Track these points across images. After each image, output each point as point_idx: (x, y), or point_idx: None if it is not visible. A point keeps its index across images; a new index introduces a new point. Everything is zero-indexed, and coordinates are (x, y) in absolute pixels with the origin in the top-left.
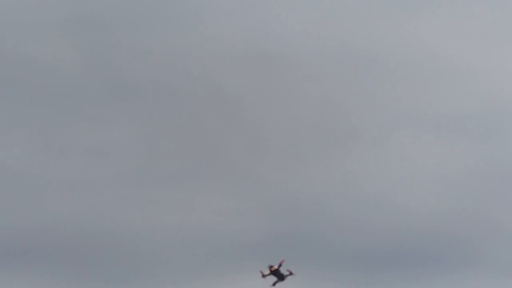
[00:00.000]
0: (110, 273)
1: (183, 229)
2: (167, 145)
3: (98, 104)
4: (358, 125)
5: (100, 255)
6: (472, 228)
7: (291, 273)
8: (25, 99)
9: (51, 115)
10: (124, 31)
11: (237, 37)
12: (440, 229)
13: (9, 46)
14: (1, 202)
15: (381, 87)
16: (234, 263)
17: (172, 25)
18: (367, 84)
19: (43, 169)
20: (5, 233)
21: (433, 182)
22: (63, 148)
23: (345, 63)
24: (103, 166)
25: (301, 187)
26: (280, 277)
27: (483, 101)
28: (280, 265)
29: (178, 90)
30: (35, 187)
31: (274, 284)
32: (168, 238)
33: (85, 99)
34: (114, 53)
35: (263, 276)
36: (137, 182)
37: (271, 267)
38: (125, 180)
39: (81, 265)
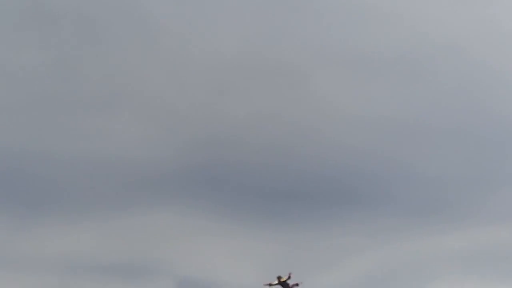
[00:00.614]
0: (18, 197)
1: (97, 156)
2: (83, 71)
3: (13, 28)
4: (282, 61)
5: (7, 180)
6: (387, 169)
7: (297, 285)
8: None
9: None
10: None
11: None
12: (355, 168)
13: None
14: None
15: (307, 24)
16: (149, 192)
17: None
18: (292, 20)
19: None
20: None
21: (353, 122)
22: None
23: None
24: (17, 89)
25: (221, 120)
26: (286, 287)
27: (408, 44)
28: (289, 277)
29: (97, 17)
30: None
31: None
32: (81, 165)
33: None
34: None
35: (270, 285)
36: (51, 107)
37: (279, 278)
38: (39, 104)
39: None
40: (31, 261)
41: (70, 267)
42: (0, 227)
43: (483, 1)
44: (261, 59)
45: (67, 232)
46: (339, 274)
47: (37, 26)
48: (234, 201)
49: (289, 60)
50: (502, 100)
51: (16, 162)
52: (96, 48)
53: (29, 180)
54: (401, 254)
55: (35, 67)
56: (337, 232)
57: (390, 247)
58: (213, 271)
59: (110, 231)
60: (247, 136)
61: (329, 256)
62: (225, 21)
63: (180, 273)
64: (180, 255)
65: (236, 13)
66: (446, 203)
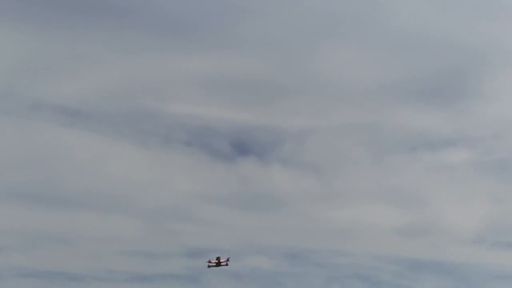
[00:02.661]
0: None
1: None
2: None
3: None
4: None
5: None
6: None
7: (226, 264)
8: None
9: None
10: None
11: None
12: None
13: None
14: None
15: None
16: None
17: None
18: None
19: None
20: None
21: None
22: None
23: None
24: None
25: None
26: (218, 265)
27: None
28: (228, 260)
29: None
30: None
31: (209, 266)
32: None
33: None
34: None
35: (210, 262)
36: None
37: (218, 258)
38: None
39: None
40: None
41: None
42: None
43: None
44: None
45: None
46: (78, 83)
47: None
48: None
49: None
50: None
51: None
52: None
53: None
54: (144, 71)
55: None
56: (79, 41)
57: (134, 61)
58: None
59: None
60: None
61: (70, 65)
62: None
63: None
64: None
65: None
66: (197, 24)
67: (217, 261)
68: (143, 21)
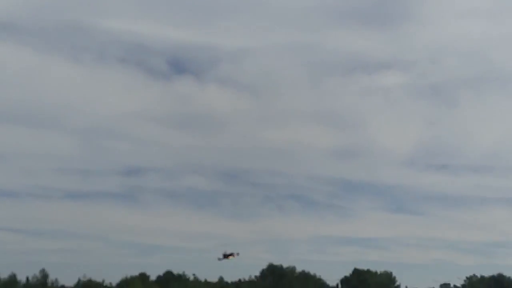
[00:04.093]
0: None
1: None
2: None
3: None
4: None
5: None
6: None
7: (238, 254)
8: None
9: None
10: None
11: None
12: None
13: None
14: None
15: None
16: None
17: None
18: None
19: None
20: None
21: None
22: None
23: None
24: None
25: None
26: (227, 257)
27: None
28: (237, 254)
29: None
30: None
31: (219, 259)
32: None
33: None
34: None
35: (225, 257)
36: None
37: (232, 253)
38: None
39: None
40: None
41: None
42: None
43: None
44: None
45: None
46: None
47: None
48: None
49: None
50: None
51: None
52: None
53: None
54: None
55: None
56: None
57: None
58: None
59: None
60: None
61: None
62: None
63: None
64: None
65: None
66: None
67: (229, 255)
68: None
